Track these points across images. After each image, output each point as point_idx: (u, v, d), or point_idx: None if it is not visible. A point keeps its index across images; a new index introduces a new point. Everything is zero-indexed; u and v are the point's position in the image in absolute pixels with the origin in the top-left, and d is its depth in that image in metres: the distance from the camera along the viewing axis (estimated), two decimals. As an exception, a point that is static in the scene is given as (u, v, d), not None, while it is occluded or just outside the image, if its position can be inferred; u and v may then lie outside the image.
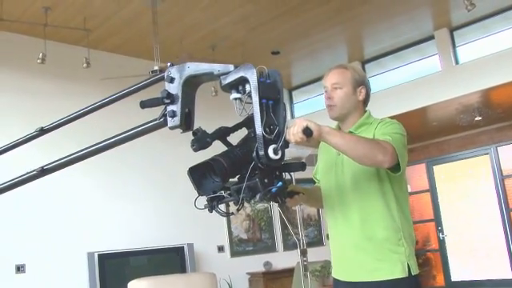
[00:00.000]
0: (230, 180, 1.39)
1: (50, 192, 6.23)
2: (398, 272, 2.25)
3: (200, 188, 1.39)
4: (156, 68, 5.72)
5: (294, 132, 1.74)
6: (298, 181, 4.28)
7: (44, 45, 6.05)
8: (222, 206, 1.45)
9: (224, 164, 1.33)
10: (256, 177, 1.31)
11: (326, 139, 1.94)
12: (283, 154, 1.27)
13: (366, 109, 2.53)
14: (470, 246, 9.75)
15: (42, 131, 1.62)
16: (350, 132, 2.40)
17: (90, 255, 6.50)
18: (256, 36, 7.34)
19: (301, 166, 1.48)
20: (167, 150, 7.35)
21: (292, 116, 9.64)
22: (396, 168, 2.17)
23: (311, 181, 2.74)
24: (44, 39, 6.10)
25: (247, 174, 1.31)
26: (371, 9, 6.91)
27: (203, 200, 1.44)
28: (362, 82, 2.48)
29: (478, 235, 9.64)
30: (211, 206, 1.42)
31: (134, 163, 7.22)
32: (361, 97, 2.46)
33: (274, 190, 1.34)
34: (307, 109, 9.35)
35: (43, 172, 1.52)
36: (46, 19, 6.09)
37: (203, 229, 7.59)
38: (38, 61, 5.99)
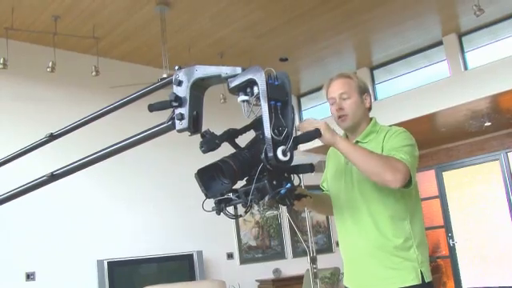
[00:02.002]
0: (238, 182, 1.38)
1: (59, 200, 6.26)
2: (411, 279, 2.24)
3: (208, 190, 1.39)
4: (165, 75, 5.75)
5: (308, 123, 1.96)
6: (308, 187, 4.26)
7: (53, 53, 6.09)
8: (230, 209, 1.45)
9: (233, 166, 1.32)
10: (264, 178, 1.31)
11: (339, 149, 2.06)
12: (292, 156, 1.26)
13: (371, 116, 2.54)
14: (480, 253, 9.68)
15: (52, 137, 1.62)
16: (357, 142, 2.40)
17: (100, 263, 6.51)
18: (264, 43, 7.36)
19: (309, 167, 1.47)
20: (176, 157, 7.37)
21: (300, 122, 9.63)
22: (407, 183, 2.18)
23: (320, 188, 2.74)
24: (53, 48, 6.14)
25: (256, 175, 1.31)
26: (379, 15, 6.91)
27: (211, 203, 1.44)
28: (365, 89, 2.49)
29: (488, 241, 9.57)
30: (219, 208, 1.41)
31: (144, 171, 7.24)
32: (367, 104, 2.47)
33: (282, 191, 1.34)
34: (315, 115, 9.33)
35: (53, 177, 1.52)
36: (56, 28, 6.13)
37: (212, 236, 7.59)
38: (48, 69, 6.02)
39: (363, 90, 2.46)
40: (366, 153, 2.12)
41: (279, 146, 1.25)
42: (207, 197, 1.41)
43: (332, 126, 2.05)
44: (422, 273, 2.25)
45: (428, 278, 2.27)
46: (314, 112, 9.51)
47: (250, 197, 1.32)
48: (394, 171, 2.07)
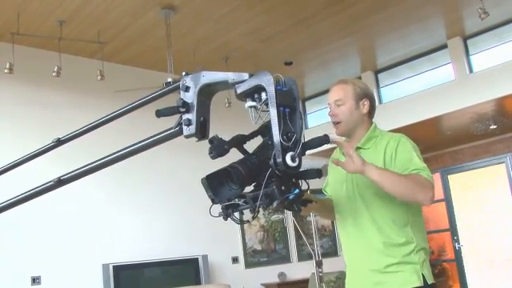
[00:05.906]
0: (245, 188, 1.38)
1: (65, 204, 6.27)
2: (412, 282, 2.25)
3: (216, 195, 1.39)
4: (170, 80, 5.76)
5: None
6: (313, 192, 4.27)
7: (59, 58, 6.11)
8: (237, 214, 1.45)
9: (242, 171, 1.32)
10: (273, 184, 1.31)
11: (367, 175, 2.13)
12: (300, 161, 1.26)
13: (373, 121, 2.54)
14: (486, 256, 9.63)
15: (59, 142, 1.63)
16: (358, 148, 2.42)
17: (105, 267, 6.52)
18: (269, 47, 7.37)
19: (317, 172, 1.47)
20: (181, 162, 7.38)
21: (306, 126, 9.63)
22: None
23: (323, 192, 2.75)
24: (59, 52, 6.16)
25: (264, 181, 1.31)
26: (384, 18, 6.90)
27: (217, 208, 1.44)
28: (364, 95, 2.48)
29: (494, 245, 9.53)
30: (226, 213, 1.41)
31: (149, 175, 7.25)
32: (365, 110, 2.47)
33: (291, 197, 1.34)
34: (320, 119, 9.34)
35: (60, 182, 1.52)
36: (61, 33, 6.15)
37: (217, 240, 7.59)
38: (53, 74, 6.04)
39: (361, 96, 2.47)
40: (395, 177, 2.18)
41: (288, 152, 1.25)
42: (214, 202, 1.41)
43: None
44: (424, 275, 2.26)
45: (430, 280, 2.29)
46: (319, 116, 9.50)
47: (258, 202, 1.32)
48: (425, 190, 2.16)
